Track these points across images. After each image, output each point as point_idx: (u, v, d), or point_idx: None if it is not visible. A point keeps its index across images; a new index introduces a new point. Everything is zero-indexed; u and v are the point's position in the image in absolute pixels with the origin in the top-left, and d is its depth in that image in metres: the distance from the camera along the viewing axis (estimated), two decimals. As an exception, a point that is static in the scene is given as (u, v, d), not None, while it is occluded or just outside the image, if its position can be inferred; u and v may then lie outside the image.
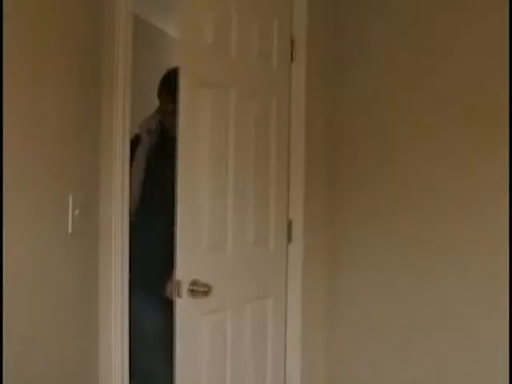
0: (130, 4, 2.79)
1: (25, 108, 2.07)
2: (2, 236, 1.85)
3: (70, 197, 2.42)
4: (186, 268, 2.55)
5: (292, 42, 3.20)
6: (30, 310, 2.14)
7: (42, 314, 2.23)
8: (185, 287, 2.52)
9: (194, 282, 2.55)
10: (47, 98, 2.22)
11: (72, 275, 2.47)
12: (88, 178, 2.61)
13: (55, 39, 2.28)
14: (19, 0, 2.01)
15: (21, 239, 2.07)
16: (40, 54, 2.17)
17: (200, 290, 2.54)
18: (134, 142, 2.85)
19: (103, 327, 2.71)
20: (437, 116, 2.82)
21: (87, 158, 2.62)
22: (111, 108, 2.71)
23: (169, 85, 2.82)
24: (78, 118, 2.51)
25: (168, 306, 2.65)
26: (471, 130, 2.75)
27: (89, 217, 2.58)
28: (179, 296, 2.51)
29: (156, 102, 3.16)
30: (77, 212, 2.46)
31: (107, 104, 2.71)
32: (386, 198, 3.00)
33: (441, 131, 2.82)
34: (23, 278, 2.09)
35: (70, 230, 2.41)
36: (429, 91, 2.85)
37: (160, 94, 3.01)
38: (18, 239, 2.05)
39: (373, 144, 3.06)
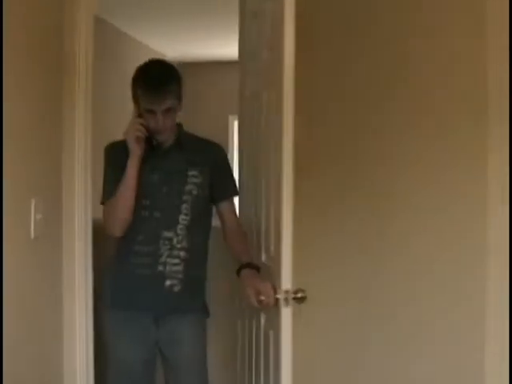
0: (92, 6, 2.80)
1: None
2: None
3: (33, 201, 2.39)
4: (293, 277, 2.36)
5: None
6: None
7: (4, 318, 2.20)
8: (290, 296, 2.33)
9: (297, 290, 2.36)
10: (9, 101, 2.19)
11: (35, 280, 2.45)
12: (50, 182, 2.60)
13: (20, 39, 2.26)
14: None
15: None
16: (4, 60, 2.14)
17: (298, 296, 2.34)
18: (118, 152, 2.59)
19: (68, 332, 2.71)
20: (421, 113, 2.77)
21: (50, 162, 2.60)
22: (73, 113, 2.71)
23: (143, 84, 2.56)
24: (41, 122, 2.49)
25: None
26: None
27: (51, 222, 2.56)
28: (286, 306, 2.33)
29: (128, 107, 2.78)
30: (39, 216, 2.43)
31: (69, 109, 2.70)
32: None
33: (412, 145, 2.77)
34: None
35: (32, 235, 2.39)
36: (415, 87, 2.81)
37: (134, 96, 2.63)
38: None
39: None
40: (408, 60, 2.75)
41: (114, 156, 2.63)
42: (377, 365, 2.82)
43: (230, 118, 8.00)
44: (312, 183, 3.00)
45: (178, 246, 2.61)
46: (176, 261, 2.61)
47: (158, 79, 2.55)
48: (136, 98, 2.59)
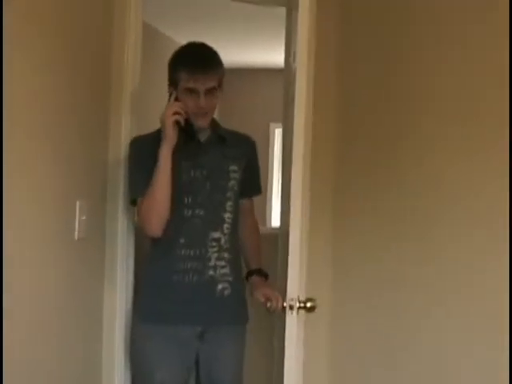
0: (139, 13, 2.83)
1: (35, 116, 2.08)
2: (2, 239, 1.84)
3: (77, 203, 2.42)
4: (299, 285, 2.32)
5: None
6: (34, 313, 2.14)
7: (46, 317, 2.23)
8: (296, 304, 2.29)
9: (306, 300, 2.32)
10: (57, 107, 2.23)
11: (77, 280, 2.47)
12: (95, 185, 2.62)
13: (67, 51, 2.29)
14: (30, 12, 2.02)
15: (27, 244, 2.07)
16: (51, 64, 2.17)
17: (308, 305, 2.30)
18: (146, 145, 2.45)
19: (107, 332, 2.72)
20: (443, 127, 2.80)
21: (95, 165, 2.63)
22: (119, 117, 2.74)
23: (186, 62, 2.40)
24: (87, 125, 2.52)
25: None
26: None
27: (95, 223, 2.59)
28: (292, 313, 2.28)
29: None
30: (83, 218, 2.46)
31: (116, 113, 2.73)
32: (388, 217, 2.97)
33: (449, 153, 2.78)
34: (28, 282, 2.09)
35: (76, 236, 2.42)
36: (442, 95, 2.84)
37: (172, 78, 2.44)
38: (25, 243, 2.05)
39: (381, 146, 3.01)
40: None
41: (142, 150, 2.47)
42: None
43: (272, 125, 7.99)
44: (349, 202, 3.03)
45: (225, 246, 2.48)
46: (223, 263, 2.47)
47: (203, 57, 2.43)
48: (175, 80, 2.41)
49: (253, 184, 2.66)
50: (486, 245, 2.66)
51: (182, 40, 2.83)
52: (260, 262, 2.59)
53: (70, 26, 2.31)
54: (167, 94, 2.46)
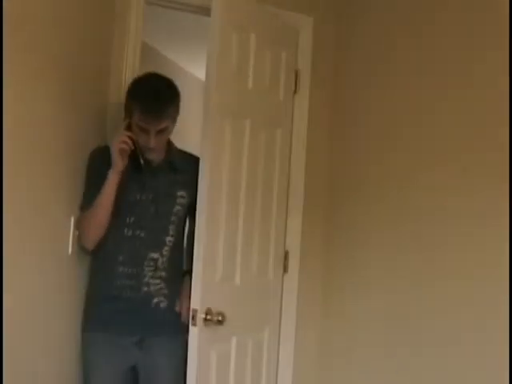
0: (139, 33, 2.88)
1: (27, 133, 2.10)
2: (2, 253, 1.86)
3: (72, 218, 2.44)
4: (202, 297, 2.49)
5: (296, 75, 3.26)
6: (30, 325, 2.16)
7: (42, 327, 2.25)
8: (200, 316, 2.46)
9: (209, 311, 2.49)
10: (51, 123, 2.25)
11: (71, 294, 2.49)
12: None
13: (64, 72, 2.32)
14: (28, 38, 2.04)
15: (22, 257, 2.09)
16: (49, 92, 2.20)
17: (215, 319, 2.49)
18: (104, 157, 2.49)
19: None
20: (438, 155, 2.83)
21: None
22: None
23: (139, 101, 2.46)
24: (80, 141, 2.55)
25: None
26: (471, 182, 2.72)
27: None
28: (194, 325, 2.44)
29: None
30: (77, 233, 2.48)
31: (112, 131, 2.74)
32: (384, 234, 3.01)
33: (441, 173, 2.81)
34: (23, 295, 2.11)
35: (69, 251, 2.44)
36: (430, 130, 2.87)
37: (128, 108, 2.51)
38: (19, 258, 2.07)
39: (373, 180, 3.09)
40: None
41: (99, 161, 2.52)
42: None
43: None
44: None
45: (162, 266, 2.58)
46: (158, 281, 2.57)
47: (156, 99, 2.46)
48: (129, 112, 2.49)
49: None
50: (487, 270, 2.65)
51: (184, 63, 2.91)
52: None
53: (68, 47, 2.35)
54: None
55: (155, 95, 2.47)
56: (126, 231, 2.54)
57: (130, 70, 2.83)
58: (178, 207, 2.61)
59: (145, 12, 2.92)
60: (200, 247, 2.48)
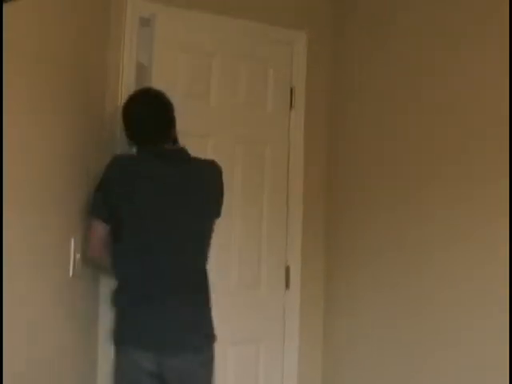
0: (133, 53, 2.90)
1: (30, 152, 2.10)
2: (2, 276, 1.84)
3: (72, 240, 2.43)
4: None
5: (291, 90, 3.28)
6: (31, 349, 2.14)
7: (42, 353, 2.22)
8: None
9: None
10: (54, 145, 2.25)
11: (73, 317, 2.48)
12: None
13: (60, 92, 2.32)
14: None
15: (23, 281, 2.07)
16: (44, 111, 2.21)
17: None
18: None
19: (102, 366, 2.72)
20: (437, 167, 2.82)
21: (87, 203, 2.65)
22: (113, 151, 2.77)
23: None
24: (81, 166, 2.55)
25: None
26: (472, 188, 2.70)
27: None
28: None
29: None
30: (78, 256, 2.46)
31: (107, 148, 2.77)
32: (386, 250, 3.01)
33: (440, 183, 2.80)
34: (23, 320, 2.09)
35: (70, 273, 2.42)
36: (429, 143, 2.86)
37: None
38: (20, 281, 2.05)
39: (371, 193, 3.09)
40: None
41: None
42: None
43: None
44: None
45: None
46: None
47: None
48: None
49: None
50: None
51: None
52: None
53: (63, 66, 2.34)
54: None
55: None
56: None
57: (125, 91, 2.83)
58: None
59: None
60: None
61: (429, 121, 2.84)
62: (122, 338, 2.49)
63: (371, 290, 3.06)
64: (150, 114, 2.54)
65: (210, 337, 2.51)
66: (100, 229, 2.51)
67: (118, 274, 2.53)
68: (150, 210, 2.49)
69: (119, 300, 2.53)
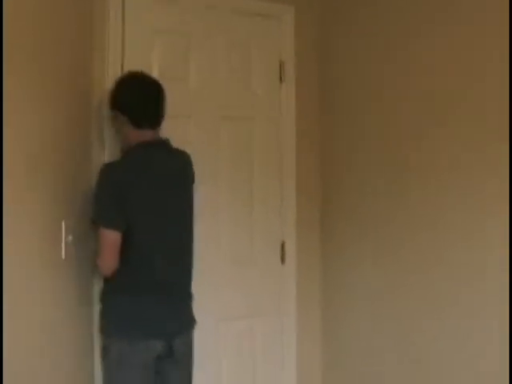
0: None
1: (25, 138, 2.09)
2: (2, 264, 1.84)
3: (63, 223, 2.43)
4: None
5: (280, 65, 3.25)
6: (25, 332, 2.14)
7: (36, 336, 2.23)
8: None
9: None
10: (48, 131, 2.24)
11: (66, 299, 2.48)
12: (79, 205, 2.63)
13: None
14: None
15: (17, 264, 2.07)
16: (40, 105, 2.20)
17: None
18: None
19: (98, 350, 2.72)
20: (429, 143, 2.79)
21: (79, 187, 2.65)
22: (102, 142, 2.81)
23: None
24: (73, 150, 2.55)
25: None
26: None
27: (80, 243, 2.60)
28: None
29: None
30: (69, 238, 2.47)
31: (99, 138, 2.79)
32: (379, 223, 2.99)
33: (432, 169, 2.76)
34: (18, 303, 2.09)
35: (63, 256, 2.42)
36: (420, 117, 2.81)
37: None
38: (13, 263, 2.05)
39: (366, 164, 3.06)
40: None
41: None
42: None
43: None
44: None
45: None
46: None
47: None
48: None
49: None
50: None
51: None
52: None
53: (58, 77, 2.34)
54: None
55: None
56: None
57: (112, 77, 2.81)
58: None
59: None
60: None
61: (426, 90, 2.81)
62: (132, 326, 2.51)
63: (367, 262, 3.06)
64: (155, 94, 2.58)
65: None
66: (115, 238, 2.49)
67: (129, 268, 2.53)
68: (157, 204, 2.53)
69: (128, 290, 2.53)
